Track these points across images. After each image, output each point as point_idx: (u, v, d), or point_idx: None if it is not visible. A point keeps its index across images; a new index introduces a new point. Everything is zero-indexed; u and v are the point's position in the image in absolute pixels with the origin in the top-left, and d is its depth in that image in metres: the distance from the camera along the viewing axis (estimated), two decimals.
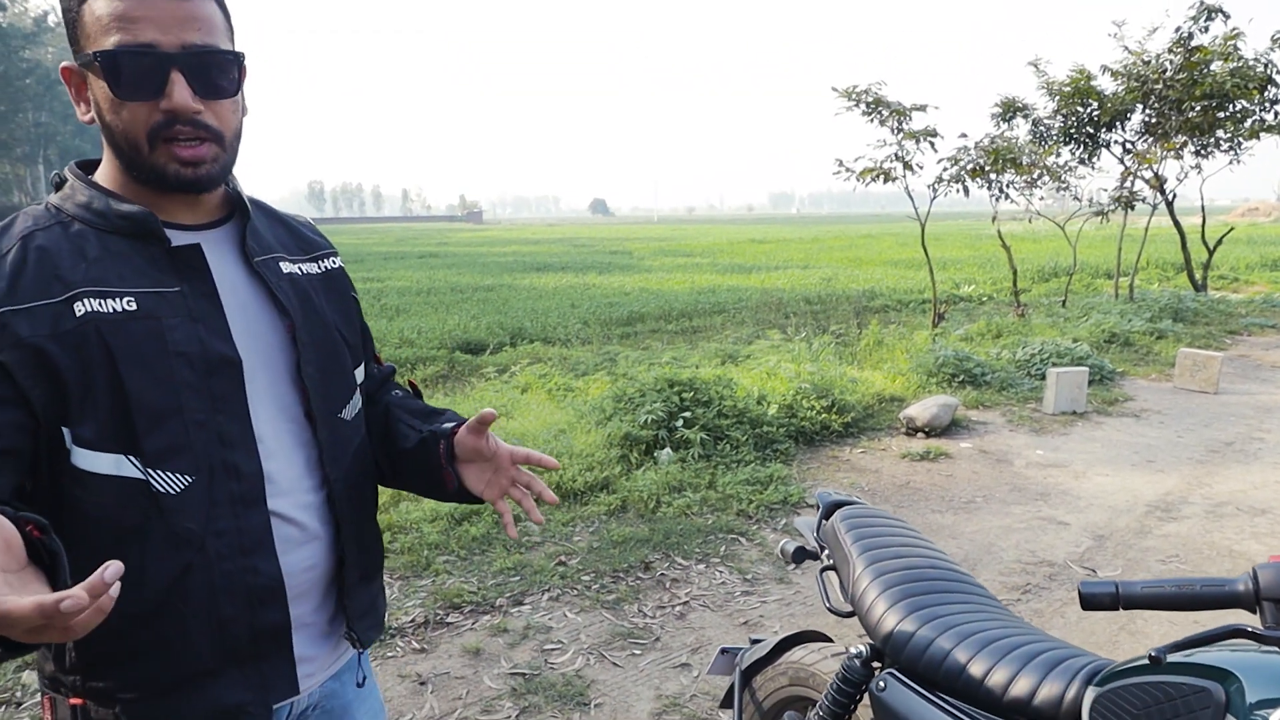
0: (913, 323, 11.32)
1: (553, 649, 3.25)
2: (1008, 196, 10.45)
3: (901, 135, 8.99)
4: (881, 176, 9.12)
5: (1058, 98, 12.22)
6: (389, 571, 3.88)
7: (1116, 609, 1.17)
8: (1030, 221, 11.57)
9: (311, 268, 1.26)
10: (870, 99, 8.97)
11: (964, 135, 10.00)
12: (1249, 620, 1.10)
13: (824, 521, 1.91)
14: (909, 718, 1.47)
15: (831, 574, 1.81)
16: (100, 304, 1.02)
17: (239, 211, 1.19)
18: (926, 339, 8.81)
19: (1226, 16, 10.96)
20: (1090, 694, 1.26)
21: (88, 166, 1.15)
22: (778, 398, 5.89)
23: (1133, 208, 11.83)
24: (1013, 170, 10.28)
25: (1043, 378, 7.18)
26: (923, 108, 8.98)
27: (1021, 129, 12.38)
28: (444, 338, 11.03)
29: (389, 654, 3.23)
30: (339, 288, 1.31)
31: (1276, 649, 1.05)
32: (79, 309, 1.01)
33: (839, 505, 1.92)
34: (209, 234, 1.15)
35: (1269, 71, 10.97)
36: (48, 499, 1.03)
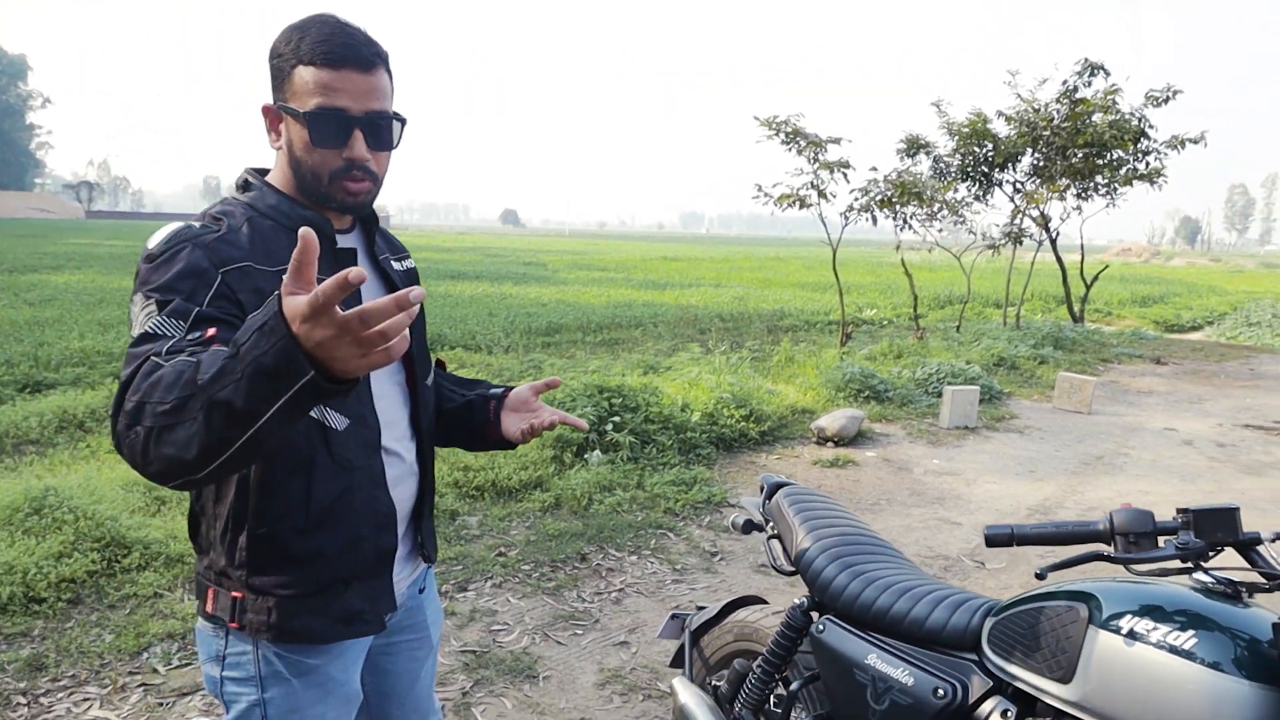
0: (821, 341, 11.92)
1: (500, 629, 3.47)
2: (910, 227, 11.19)
3: (818, 165, 9.56)
4: (798, 203, 9.66)
5: (957, 138, 13.12)
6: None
7: (1012, 545, 1.51)
8: (930, 251, 12.37)
9: (400, 265, 1.57)
10: (789, 129, 9.52)
11: (874, 169, 10.68)
12: (1106, 552, 1.45)
13: (768, 500, 2.22)
14: (844, 652, 1.79)
15: (775, 542, 2.12)
16: None
17: (364, 220, 1.49)
18: (835, 357, 9.36)
19: (1107, 74, 12.06)
20: (989, 623, 1.60)
21: (260, 171, 1.43)
22: (700, 406, 6.23)
23: (1020, 243, 12.79)
24: (916, 203, 11.02)
25: (939, 395, 7.78)
26: (837, 140, 9.59)
27: (924, 165, 13.25)
28: None
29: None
30: (414, 283, 1.61)
31: (1125, 571, 1.40)
32: None
33: (780, 486, 2.24)
34: (350, 236, 1.46)
35: (1142, 125, 12.10)
36: None
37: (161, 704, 2.88)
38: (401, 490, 1.46)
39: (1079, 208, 13.59)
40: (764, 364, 9.17)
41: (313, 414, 1.29)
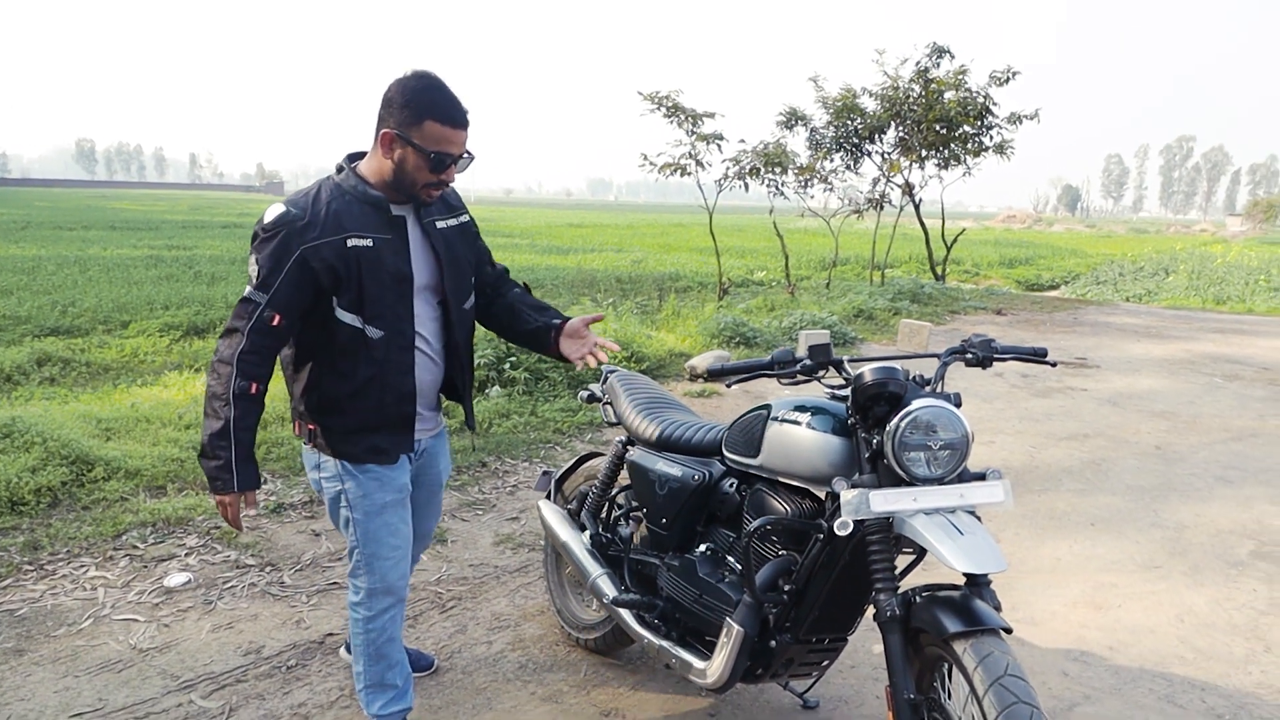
0: (708, 299, 13.01)
1: None
2: (782, 194, 12.33)
3: (694, 137, 10.54)
4: (679, 171, 10.64)
5: (831, 111, 14.29)
6: (273, 471, 4.79)
7: (724, 376, 2.46)
8: (802, 216, 13.56)
9: (452, 221, 2.33)
10: (670, 104, 10.46)
11: (743, 141, 11.74)
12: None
13: (604, 383, 3.17)
14: (645, 465, 2.75)
15: (609, 406, 3.07)
16: (358, 241, 2.09)
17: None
18: (714, 310, 10.44)
19: (953, 56, 13.42)
20: (725, 436, 2.58)
21: (354, 157, 2.18)
22: None
23: (882, 208, 14.12)
24: (792, 171, 12.13)
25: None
26: (712, 114, 10.58)
27: (801, 136, 14.39)
28: None
29: (286, 519, 4.20)
30: (470, 231, 2.42)
31: (781, 387, 2.39)
32: (349, 243, 2.07)
33: (613, 372, 3.19)
34: (407, 207, 2.22)
35: (986, 103, 13.52)
36: (318, 332, 2.15)
37: (145, 566, 3.66)
38: (426, 377, 2.29)
39: (939, 176, 15.01)
40: (652, 317, 10.17)
41: (358, 324, 2.12)
